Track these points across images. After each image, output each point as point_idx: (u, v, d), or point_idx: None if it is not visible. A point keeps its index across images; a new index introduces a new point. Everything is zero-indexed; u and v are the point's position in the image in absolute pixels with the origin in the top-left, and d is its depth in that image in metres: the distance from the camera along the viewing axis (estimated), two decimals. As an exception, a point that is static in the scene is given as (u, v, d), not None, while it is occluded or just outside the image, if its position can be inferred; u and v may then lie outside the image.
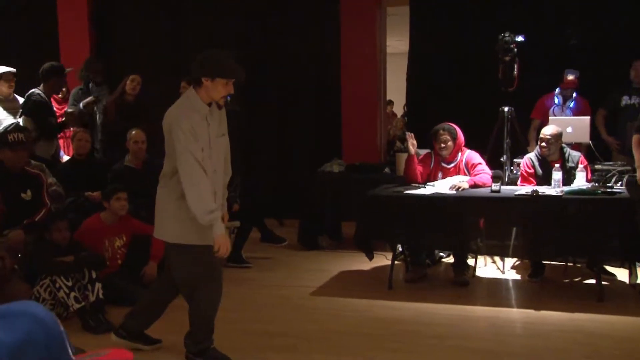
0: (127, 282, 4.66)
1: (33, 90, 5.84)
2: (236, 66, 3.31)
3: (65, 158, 6.37)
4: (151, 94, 6.67)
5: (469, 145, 5.37)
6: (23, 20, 8.37)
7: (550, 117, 5.84)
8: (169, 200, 3.38)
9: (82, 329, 4.10)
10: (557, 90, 6.21)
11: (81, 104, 6.36)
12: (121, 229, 4.83)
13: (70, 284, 4.13)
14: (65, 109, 6.59)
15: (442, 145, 5.21)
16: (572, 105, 6.19)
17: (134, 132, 5.59)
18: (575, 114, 6.06)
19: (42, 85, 5.87)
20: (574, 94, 6.18)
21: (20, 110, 5.83)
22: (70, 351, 1.33)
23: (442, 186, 5.06)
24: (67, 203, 5.28)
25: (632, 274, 4.73)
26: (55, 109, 6.32)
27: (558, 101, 6.23)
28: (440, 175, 5.29)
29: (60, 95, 6.73)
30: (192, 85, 3.38)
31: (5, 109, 5.84)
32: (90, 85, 6.58)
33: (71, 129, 6.31)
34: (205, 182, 3.25)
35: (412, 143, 5.28)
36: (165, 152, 3.43)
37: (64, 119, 6.17)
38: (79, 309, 4.11)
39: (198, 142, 3.24)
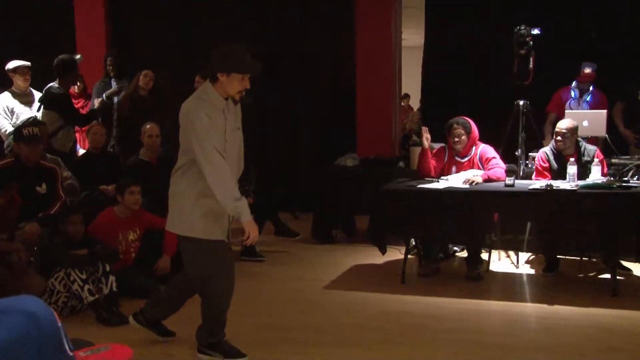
0: (140, 275, 4.70)
1: (51, 84, 5.91)
2: (252, 61, 3.29)
3: (82, 152, 6.44)
4: (166, 88, 6.70)
5: (485, 139, 5.34)
6: (40, 15, 8.45)
7: (566, 111, 5.78)
8: (182, 194, 3.39)
9: (96, 321, 4.15)
10: (574, 83, 6.14)
11: (104, 95, 6.43)
12: (135, 222, 4.87)
13: (84, 276, 4.17)
14: (82, 103, 6.65)
15: (456, 139, 5.18)
16: (588, 98, 6.12)
17: (148, 126, 5.63)
18: (592, 108, 5.99)
19: (57, 80, 5.93)
20: (591, 88, 6.11)
21: (39, 104, 5.90)
22: (67, 347, 1.33)
23: (455, 180, 5.04)
24: (82, 197, 5.34)
25: (648, 269, 4.69)
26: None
27: (574, 95, 6.16)
28: (454, 169, 5.26)
29: (76, 90, 6.80)
30: (208, 79, 3.37)
31: (22, 103, 5.92)
32: (112, 79, 6.65)
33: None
34: (228, 171, 3.26)
35: (426, 137, 5.26)
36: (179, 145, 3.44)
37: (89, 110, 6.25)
38: (93, 301, 4.15)
39: (216, 132, 3.24)
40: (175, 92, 7.12)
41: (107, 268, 4.30)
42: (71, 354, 1.34)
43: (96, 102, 6.50)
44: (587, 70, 5.99)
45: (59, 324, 1.33)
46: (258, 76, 3.40)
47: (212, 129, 3.22)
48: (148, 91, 6.29)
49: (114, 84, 6.70)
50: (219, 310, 3.50)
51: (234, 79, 3.25)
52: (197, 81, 6.14)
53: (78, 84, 6.78)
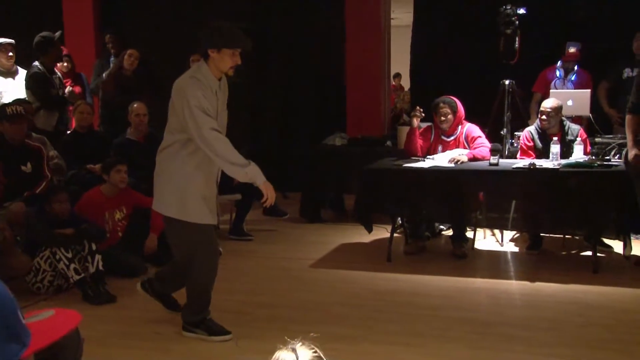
0: (127, 254, 4.73)
1: (34, 63, 5.88)
2: (242, 36, 3.30)
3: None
4: (156, 68, 6.68)
5: (473, 118, 5.37)
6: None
7: (550, 91, 5.81)
8: (170, 174, 3.39)
9: (82, 300, 4.17)
10: (559, 63, 6.17)
11: (104, 75, 6.38)
12: (121, 201, 4.89)
13: (70, 255, 4.19)
14: (70, 82, 6.61)
15: (443, 118, 5.20)
16: (573, 78, 6.15)
17: (135, 105, 5.62)
18: (576, 87, 6.02)
19: (41, 58, 5.90)
20: (576, 67, 6.14)
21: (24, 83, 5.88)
22: (21, 317, 1.36)
23: (441, 159, 5.07)
24: (69, 176, 5.35)
25: (627, 246, 4.75)
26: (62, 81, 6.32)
27: (559, 74, 6.19)
28: (440, 148, 5.29)
29: (64, 70, 6.76)
30: (202, 58, 3.36)
31: (6, 80, 5.88)
32: (112, 58, 6.61)
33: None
34: (229, 143, 3.25)
35: (416, 117, 5.25)
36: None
37: (66, 94, 6.20)
38: (79, 280, 4.17)
39: (209, 113, 3.24)
40: (165, 72, 7.13)
41: (94, 247, 4.31)
42: (25, 323, 1.37)
43: (94, 82, 6.45)
44: (572, 50, 6.01)
45: (12, 295, 1.36)
46: (248, 55, 3.39)
47: (206, 110, 3.22)
48: (132, 71, 6.24)
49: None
50: (201, 289, 3.53)
51: (225, 54, 3.25)
52: (192, 60, 6.12)
53: (65, 63, 6.73)
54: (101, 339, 3.54)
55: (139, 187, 5.21)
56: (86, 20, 7.96)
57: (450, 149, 5.21)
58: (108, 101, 6.30)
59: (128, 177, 4.90)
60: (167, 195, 3.40)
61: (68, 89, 6.29)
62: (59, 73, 6.19)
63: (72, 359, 1.86)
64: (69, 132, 6.04)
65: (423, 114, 5.26)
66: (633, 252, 4.83)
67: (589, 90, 5.72)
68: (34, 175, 4.76)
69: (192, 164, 3.33)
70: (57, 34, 6.14)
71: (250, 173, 3.24)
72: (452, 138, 5.27)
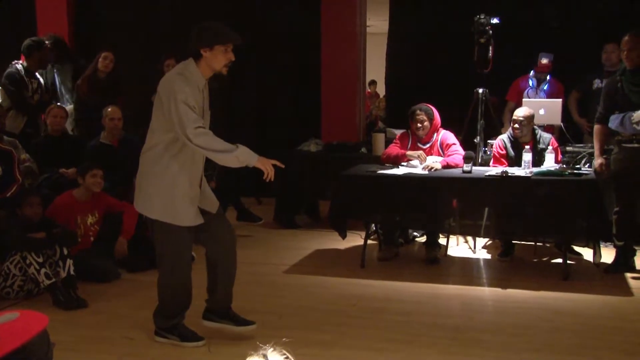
0: (99, 258, 4.69)
1: (13, 62, 5.84)
2: (232, 32, 3.32)
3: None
4: (128, 70, 6.63)
5: (447, 126, 5.43)
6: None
7: (523, 100, 5.91)
8: (153, 175, 3.36)
9: (52, 305, 4.11)
10: (532, 72, 6.27)
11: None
12: (94, 206, 4.84)
13: (41, 260, 4.14)
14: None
15: (419, 125, 5.25)
16: (546, 87, 6.26)
17: (109, 109, 5.58)
18: (549, 96, 6.13)
19: (25, 59, 5.86)
20: (548, 77, 6.25)
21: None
22: None
23: (415, 166, 5.12)
24: (42, 179, 5.28)
25: (596, 254, 4.84)
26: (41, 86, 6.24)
27: (532, 83, 6.29)
28: (414, 153, 5.34)
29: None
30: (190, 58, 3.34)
31: None
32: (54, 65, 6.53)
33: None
34: (213, 136, 3.23)
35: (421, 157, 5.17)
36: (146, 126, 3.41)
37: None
38: (50, 285, 4.12)
39: (195, 111, 3.23)
40: (137, 74, 7.09)
41: (65, 251, 4.26)
42: None
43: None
44: (544, 61, 6.12)
45: None
46: (238, 49, 3.38)
47: (192, 108, 3.21)
48: (107, 73, 6.19)
49: (56, 74, 6.54)
50: (173, 292, 3.50)
51: (217, 51, 3.27)
52: (166, 65, 6.09)
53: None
54: (72, 344, 3.50)
55: (114, 191, 5.17)
56: (59, 22, 7.86)
57: (426, 156, 5.26)
58: (82, 104, 6.23)
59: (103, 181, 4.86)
60: (153, 197, 3.37)
61: None
62: (40, 79, 6.11)
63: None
64: (42, 135, 5.96)
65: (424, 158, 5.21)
66: (602, 260, 4.92)
67: (560, 100, 5.83)
68: (5, 178, 4.69)
69: (176, 165, 3.32)
70: (49, 41, 6.12)
71: (241, 156, 3.24)
72: (428, 145, 5.32)
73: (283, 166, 3.52)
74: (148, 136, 3.41)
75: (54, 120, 5.62)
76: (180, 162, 3.33)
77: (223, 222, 3.63)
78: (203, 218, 3.45)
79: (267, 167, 3.29)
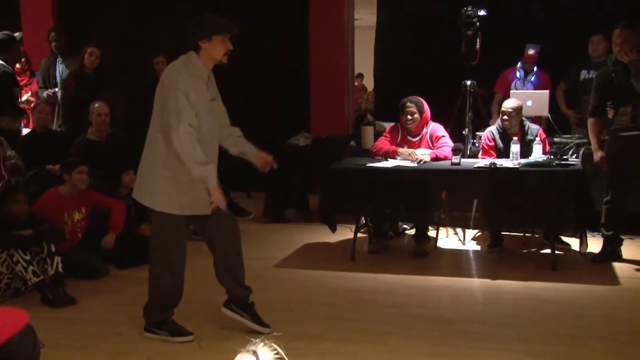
0: (87, 255, 4.67)
1: None
2: (228, 22, 3.38)
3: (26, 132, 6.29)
4: (114, 66, 6.59)
5: (436, 118, 5.43)
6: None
7: (511, 91, 5.93)
8: (151, 162, 3.39)
9: (40, 302, 4.09)
10: (519, 64, 6.29)
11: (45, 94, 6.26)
12: (81, 202, 4.82)
13: (28, 257, 4.10)
14: (25, 80, 6.48)
15: (409, 117, 5.24)
16: (533, 79, 6.28)
17: (96, 105, 5.55)
18: (536, 88, 6.15)
19: (3, 55, 5.77)
20: (535, 68, 6.27)
21: None
22: None
23: (405, 159, 5.13)
24: (28, 176, 5.25)
25: (583, 243, 4.87)
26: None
27: (519, 75, 6.31)
28: (406, 147, 5.34)
29: (18, 66, 6.62)
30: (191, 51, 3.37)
31: None
32: (58, 57, 6.49)
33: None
34: (195, 142, 3.24)
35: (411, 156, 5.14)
36: (141, 116, 3.40)
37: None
38: (37, 282, 4.09)
39: (192, 107, 3.24)
40: (123, 71, 7.04)
41: (53, 248, 4.22)
42: None
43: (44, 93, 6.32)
44: (531, 52, 6.14)
45: None
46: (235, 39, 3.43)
47: (189, 103, 3.23)
48: (94, 69, 6.14)
49: (59, 64, 6.52)
50: (162, 285, 3.50)
51: (216, 42, 3.33)
52: (155, 62, 6.06)
53: (23, 60, 6.61)
54: (61, 341, 3.48)
55: (101, 187, 5.14)
56: (44, 18, 7.79)
57: (416, 149, 5.26)
58: (69, 100, 6.19)
59: (89, 177, 4.83)
60: (146, 184, 3.39)
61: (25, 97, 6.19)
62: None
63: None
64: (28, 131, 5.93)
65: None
66: (589, 249, 4.95)
67: (547, 91, 5.84)
68: (-9, 175, 4.65)
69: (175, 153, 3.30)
70: (18, 34, 6.04)
71: (204, 174, 3.24)
72: (417, 138, 5.33)
73: (276, 166, 3.59)
74: (153, 118, 3.42)
75: (39, 116, 5.58)
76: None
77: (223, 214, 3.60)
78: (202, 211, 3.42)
79: (216, 197, 3.26)
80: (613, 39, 4.66)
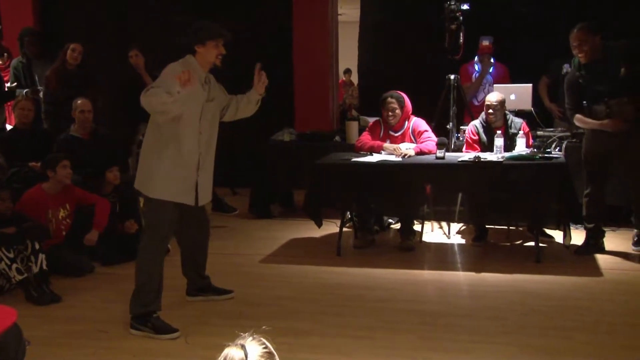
0: (72, 253, 4.64)
1: None
2: (221, 28, 3.68)
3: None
4: (96, 63, 6.52)
5: (420, 112, 5.45)
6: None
7: (494, 85, 5.96)
8: (148, 149, 3.60)
9: (25, 300, 4.06)
10: (476, 57, 6.33)
11: (24, 92, 6.17)
12: (65, 199, 4.78)
13: (12, 255, 4.07)
14: (8, 76, 6.39)
15: (390, 113, 5.26)
16: (491, 70, 6.32)
17: (79, 102, 5.49)
18: (495, 80, 6.21)
19: None
20: (492, 60, 6.31)
21: None
22: None
23: (389, 154, 5.15)
24: (10, 174, 5.19)
25: (567, 236, 4.91)
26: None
27: (478, 68, 6.35)
28: (388, 142, 5.35)
29: (0, 62, 6.55)
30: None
31: None
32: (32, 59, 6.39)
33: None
34: (159, 91, 3.36)
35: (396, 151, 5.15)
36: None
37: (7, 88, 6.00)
38: (21, 280, 4.06)
39: (178, 97, 3.34)
40: (105, 67, 6.97)
41: (37, 246, 4.19)
42: None
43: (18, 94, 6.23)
44: (485, 43, 6.20)
45: None
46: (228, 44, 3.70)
47: (172, 84, 3.31)
48: (76, 66, 6.07)
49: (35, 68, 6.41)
50: (149, 275, 3.57)
51: (209, 46, 3.62)
52: (130, 56, 5.99)
53: (5, 55, 6.52)
54: (47, 339, 3.46)
55: (85, 184, 5.09)
56: (25, 13, 7.70)
57: (398, 143, 5.28)
58: (52, 96, 6.11)
59: (73, 174, 4.80)
60: (150, 174, 3.55)
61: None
62: None
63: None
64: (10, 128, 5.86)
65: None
66: (572, 242, 5.00)
67: (530, 85, 5.88)
68: (-27, 173, 4.60)
69: (172, 143, 3.50)
70: (29, 36, 6.02)
71: (171, 89, 3.29)
72: (399, 133, 5.34)
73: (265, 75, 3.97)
74: (150, 118, 3.60)
75: (21, 112, 5.51)
76: (176, 140, 3.51)
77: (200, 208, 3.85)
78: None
79: (183, 75, 3.32)
80: (570, 41, 4.70)
